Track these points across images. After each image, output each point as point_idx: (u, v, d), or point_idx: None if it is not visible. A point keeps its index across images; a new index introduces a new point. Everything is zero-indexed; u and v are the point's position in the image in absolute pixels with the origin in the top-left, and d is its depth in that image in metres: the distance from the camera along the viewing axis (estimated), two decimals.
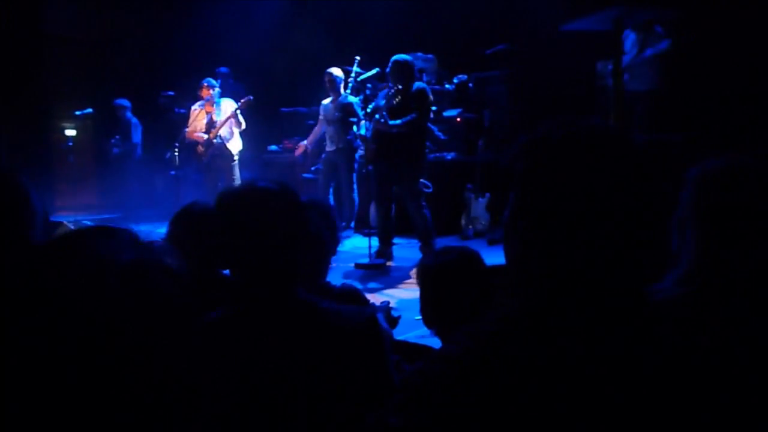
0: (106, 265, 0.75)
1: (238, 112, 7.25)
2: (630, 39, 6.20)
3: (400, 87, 5.73)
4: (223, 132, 7.30)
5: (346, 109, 6.69)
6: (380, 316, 2.49)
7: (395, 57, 5.80)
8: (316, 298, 1.63)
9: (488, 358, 0.93)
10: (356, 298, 2.41)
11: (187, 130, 7.52)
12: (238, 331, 1.56)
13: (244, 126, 7.36)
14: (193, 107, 7.59)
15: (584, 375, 0.89)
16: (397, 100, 5.73)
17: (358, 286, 2.67)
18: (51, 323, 0.71)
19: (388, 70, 5.81)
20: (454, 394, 0.92)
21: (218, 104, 7.37)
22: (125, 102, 9.24)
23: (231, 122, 7.33)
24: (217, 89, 7.39)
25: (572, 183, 0.93)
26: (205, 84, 7.37)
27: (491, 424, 0.89)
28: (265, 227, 1.54)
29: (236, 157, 7.37)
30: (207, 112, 7.38)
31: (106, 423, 0.72)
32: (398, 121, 5.60)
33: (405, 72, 5.74)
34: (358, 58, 7.09)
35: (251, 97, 7.35)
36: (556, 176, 0.95)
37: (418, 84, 5.84)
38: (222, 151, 7.32)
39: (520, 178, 1.00)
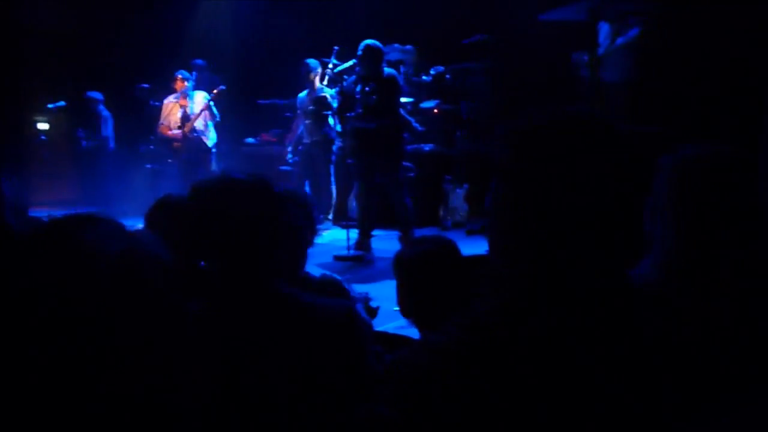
0: (96, 255, 0.73)
1: (212, 104, 7.20)
2: (603, 30, 6.22)
3: (370, 76, 5.71)
4: (197, 125, 7.25)
5: (321, 102, 6.67)
6: (359, 307, 2.49)
7: (367, 42, 5.77)
8: (295, 290, 1.62)
9: (478, 348, 0.93)
10: (337, 288, 2.40)
11: (161, 124, 7.45)
12: (216, 324, 1.54)
13: (218, 119, 7.31)
14: (166, 100, 7.53)
15: (572, 362, 0.90)
16: (370, 90, 5.71)
17: (338, 278, 2.67)
18: (40, 313, 0.69)
19: (359, 53, 5.78)
20: (446, 384, 0.93)
21: (191, 97, 7.32)
22: (97, 95, 9.12)
23: (205, 115, 7.28)
24: (190, 81, 7.33)
25: (555, 170, 0.93)
26: (179, 76, 7.32)
27: (483, 414, 0.89)
28: (240, 218, 1.53)
29: (213, 150, 7.33)
30: (181, 106, 7.32)
31: (95, 411, 0.71)
32: (373, 125, 5.62)
33: (376, 58, 5.73)
34: (336, 48, 7.06)
35: (223, 87, 7.30)
36: (540, 164, 0.95)
37: (387, 70, 5.84)
38: (198, 144, 7.27)
39: (504, 166, 1.00)
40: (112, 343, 0.72)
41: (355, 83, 5.90)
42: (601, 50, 6.09)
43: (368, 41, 5.78)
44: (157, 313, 0.77)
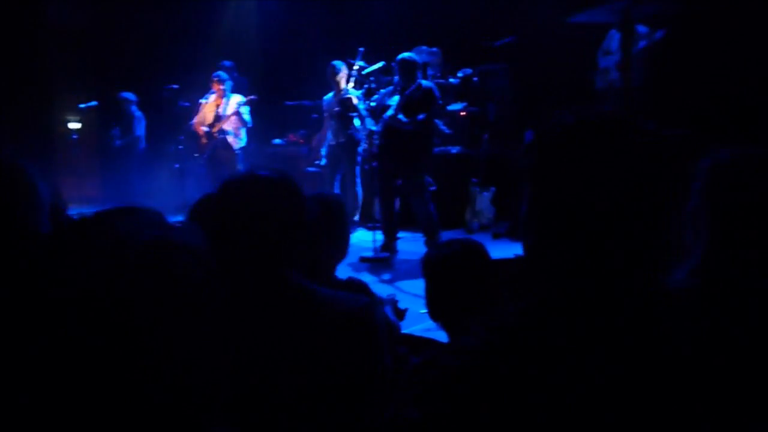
0: (125, 244, 0.74)
1: (242, 109, 7.32)
2: (615, 39, 6.15)
3: (406, 85, 5.76)
4: (227, 127, 7.37)
5: (345, 104, 6.69)
6: (388, 309, 2.49)
7: (401, 56, 5.87)
8: (312, 284, 1.63)
9: (508, 350, 0.92)
10: (362, 291, 2.40)
11: (193, 122, 7.60)
12: (236, 315, 1.55)
13: (250, 124, 7.45)
14: (201, 99, 7.65)
15: (603, 367, 0.89)
16: (407, 96, 5.75)
17: (364, 279, 2.66)
18: (70, 305, 0.70)
19: (395, 67, 5.86)
20: (475, 386, 0.92)
21: (228, 98, 7.46)
22: (130, 95, 9.24)
23: (236, 119, 7.40)
24: (228, 83, 7.47)
25: (586, 171, 0.92)
26: (215, 78, 7.46)
27: (512, 417, 0.89)
28: (264, 211, 1.56)
29: (237, 152, 7.44)
30: (216, 105, 7.46)
31: (121, 397, 0.72)
32: (406, 120, 5.63)
33: (412, 70, 5.79)
34: (361, 49, 7.07)
35: (255, 97, 7.43)
36: (569, 165, 0.94)
37: (426, 83, 5.89)
38: (224, 144, 7.40)
39: (534, 169, 0.99)
40: (141, 332, 0.73)
41: (391, 94, 5.95)
42: (613, 59, 6.07)
43: (403, 54, 5.88)
44: (187, 302, 0.77)
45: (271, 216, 1.56)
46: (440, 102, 6.36)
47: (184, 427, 0.78)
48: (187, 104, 8.49)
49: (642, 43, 6.06)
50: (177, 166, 8.12)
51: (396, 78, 6.00)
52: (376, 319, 1.66)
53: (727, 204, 1.38)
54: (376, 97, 6.28)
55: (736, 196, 1.38)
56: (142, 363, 0.73)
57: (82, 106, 9.59)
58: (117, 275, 0.73)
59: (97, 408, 0.71)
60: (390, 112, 5.76)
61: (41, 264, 0.74)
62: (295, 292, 1.59)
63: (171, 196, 7.89)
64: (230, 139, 7.40)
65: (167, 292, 0.75)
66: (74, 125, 10.04)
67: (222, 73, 7.60)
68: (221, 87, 7.45)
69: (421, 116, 5.66)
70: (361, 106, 6.58)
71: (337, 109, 6.82)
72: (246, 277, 1.58)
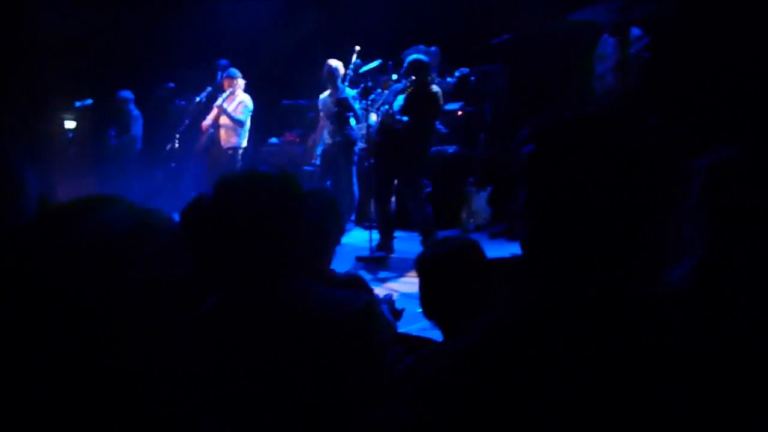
0: (108, 232, 0.73)
1: (232, 108, 7.31)
2: (609, 44, 6.16)
3: (413, 83, 5.74)
4: (224, 122, 7.36)
5: (342, 104, 6.68)
6: (385, 308, 2.47)
7: (414, 56, 5.93)
8: (315, 283, 1.61)
9: (503, 350, 0.91)
10: (359, 285, 2.39)
11: (204, 122, 7.64)
12: (232, 318, 1.54)
13: (242, 123, 7.39)
14: (197, 98, 7.81)
15: (599, 367, 0.87)
16: (409, 94, 5.73)
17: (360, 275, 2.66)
18: (50, 293, 0.69)
19: (403, 70, 5.85)
20: (470, 387, 0.90)
21: (234, 96, 7.41)
22: (128, 94, 9.21)
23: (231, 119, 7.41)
24: (237, 81, 7.42)
25: (584, 167, 0.91)
26: (227, 76, 7.50)
27: (507, 417, 0.87)
28: (263, 211, 1.52)
29: (230, 151, 7.39)
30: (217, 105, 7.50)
31: (104, 396, 0.70)
32: (405, 118, 5.62)
33: (422, 71, 5.80)
34: (357, 48, 7.06)
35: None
36: (568, 161, 0.92)
37: (434, 88, 5.89)
38: (215, 141, 7.39)
39: (531, 164, 0.97)
40: (123, 321, 0.72)
41: (395, 95, 5.94)
42: (610, 63, 6.08)
43: (415, 56, 5.87)
44: (165, 291, 0.76)
45: (269, 216, 1.53)
46: (442, 107, 6.38)
47: (174, 423, 0.77)
48: (183, 103, 8.48)
49: (635, 47, 6.06)
50: (173, 165, 8.10)
51: (394, 76, 6.00)
52: (379, 316, 1.65)
53: (726, 203, 1.37)
54: (373, 95, 6.26)
55: (735, 195, 1.37)
56: (129, 352, 0.72)
57: (77, 104, 9.54)
58: (97, 262, 0.72)
59: (80, 399, 0.70)
60: (385, 107, 5.75)
61: (20, 250, 0.72)
62: (297, 294, 1.56)
63: (167, 196, 7.88)
64: (222, 134, 7.37)
65: (147, 279, 0.74)
66: (70, 124, 9.99)
67: (233, 70, 7.55)
68: (233, 83, 7.40)
69: (406, 118, 5.64)
70: (357, 106, 6.57)
71: (335, 109, 6.82)
72: (246, 280, 1.56)
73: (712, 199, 1.37)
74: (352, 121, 6.77)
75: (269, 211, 1.53)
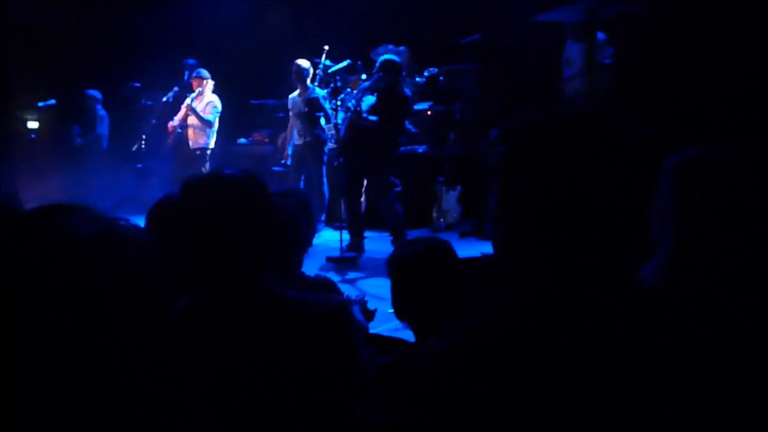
0: (73, 238, 0.71)
1: (201, 108, 7.23)
2: (574, 49, 6.21)
3: (384, 84, 5.72)
4: (191, 121, 7.28)
5: (313, 104, 6.65)
6: (356, 309, 2.46)
7: (385, 56, 5.87)
8: (285, 286, 1.60)
9: (480, 353, 0.91)
10: (330, 288, 2.38)
11: (171, 123, 7.54)
12: (204, 320, 1.52)
13: (211, 124, 7.29)
14: (164, 98, 7.67)
15: (576, 369, 0.88)
16: (380, 94, 5.72)
17: (330, 278, 2.64)
18: (12, 300, 0.67)
19: (375, 70, 5.83)
20: (446, 390, 0.90)
21: (203, 97, 7.34)
22: (96, 93, 9.07)
23: (200, 118, 7.33)
24: (206, 81, 7.33)
25: (556, 168, 0.91)
26: (196, 75, 7.38)
27: (484, 421, 0.87)
28: (230, 213, 1.51)
29: (198, 152, 7.30)
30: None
31: (73, 401, 0.69)
32: (373, 117, 5.61)
33: (393, 72, 5.77)
34: (326, 47, 7.04)
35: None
36: (540, 162, 0.92)
37: (406, 91, 5.87)
38: (181, 141, 7.31)
39: (502, 164, 0.97)
40: (91, 327, 0.70)
41: (363, 93, 5.91)
42: (577, 67, 6.15)
43: (387, 56, 5.84)
44: (136, 296, 0.75)
45: (237, 218, 1.51)
46: (412, 109, 6.39)
47: (144, 426, 0.76)
48: (149, 103, 8.36)
49: (608, 51, 6.12)
50: (140, 166, 7.99)
51: (363, 76, 5.98)
52: (351, 318, 1.65)
53: (693, 203, 1.39)
54: (342, 95, 6.23)
55: (702, 195, 1.39)
56: (97, 359, 0.70)
57: (40, 104, 9.36)
58: (64, 269, 0.70)
59: (47, 404, 0.68)
60: (352, 103, 5.74)
61: None
62: (267, 297, 1.55)
63: (133, 197, 7.77)
64: (190, 134, 7.28)
65: (118, 284, 0.73)
66: (32, 124, 9.80)
67: (201, 70, 7.46)
68: (201, 84, 7.31)
69: (374, 118, 5.64)
70: (327, 106, 6.55)
71: (305, 109, 6.79)
72: (216, 283, 1.54)
73: (679, 199, 1.39)
74: (323, 121, 6.74)
75: (235, 213, 1.51)
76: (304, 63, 6.87)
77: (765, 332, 1.10)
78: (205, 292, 1.56)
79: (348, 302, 2.45)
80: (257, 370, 1.48)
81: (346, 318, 1.62)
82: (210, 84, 7.37)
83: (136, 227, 0.80)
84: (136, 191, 7.82)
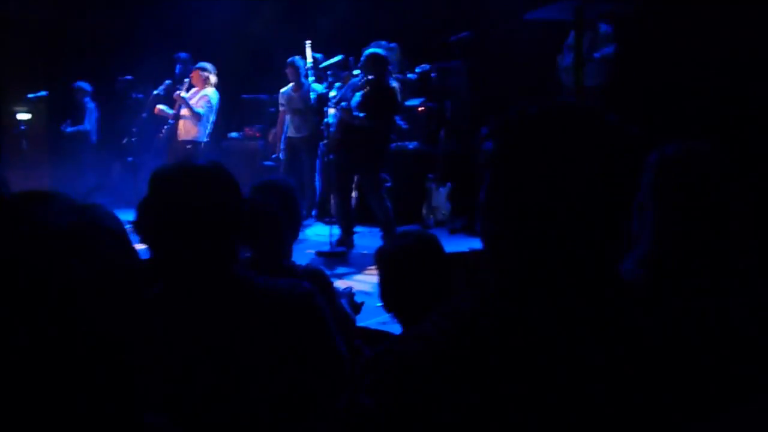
0: (48, 229, 0.72)
1: (194, 100, 7.15)
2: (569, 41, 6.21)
3: (371, 79, 5.72)
4: (184, 113, 7.19)
5: (319, 99, 6.65)
6: (344, 302, 2.49)
7: (371, 50, 5.82)
8: (252, 273, 1.63)
9: (465, 338, 0.92)
10: (320, 278, 2.40)
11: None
12: (174, 308, 1.56)
13: (200, 117, 7.20)
14: (155, 91, 7.58)
15: (559, 356, 0.90)
16: (366, 91, 5.72)
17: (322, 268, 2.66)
18: None
19: (360, 63, 5.81)
20: (430, 374, 0.91)
21: (199, 90, 7.25)
22: (86, 86, 9.00)
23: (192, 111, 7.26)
24: (206, 74, 7.19)
25: (547, 161, 0.93)
26: (199, 68, 7.22)
27: (468, 406, 0.89)
28: (197, 203, 1.54)
29: (189, 145, 7.22)
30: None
31: (55, 389, 0.70)
32: (362, 114, 5.61)
33: (380, 66, 5.74)
34: (308, 42, 7.04)
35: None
36: (531, 155, 0.94)
37: (391, 83, 5.85)
38: (171, 133, 7.25)
39: (494, 156, 0.99)
40: (68, 317, 0.71)
41: (353, 90, 5.89)
42: (567, 60, 6.15)
43: (373, 49, 5.82)
44: (114, 282, 0.76)
45: (204, 207, 1.54)
46: (401, 103, 6.37)
47: (116, 412, 0.76)
48: (140, 96, 8.32)
49: (596, 54, 6.13)
50: (130, 159, 7.95)
51: (356, 72, 5.97)
52: (316, 305, 1.67)
53: (672, 197, 1.42)
54: (334, 90, 6.23)
55: (681, 189, 1.42)
56: (73, 347, 0.71)
57: (31, 96, 9.30)
58: (41, 259, 0.71)
59: (23, 395, 0.69)
60: (343, 105, 5.74)
61: None
62: (235, 283, 1.58)
63: (124, 191, 7.74)
64: (181, 126, 7.21)
65: (95, 275, 0.74)
66: (23, 116, 9.73)
67: (207, 64, 7.31)
68: (201, 77, 7.19)
69: (362, 114, 5.64)
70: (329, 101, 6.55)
71: (300, 104, 6.79)
72: (185, 272, 1.57)
73: (659, 193, 1.42)
74: (330, 118, 6.74)
75: (202, 203, 1.54)
76: (299, 60, 6.88)
77: (738, 322, 1.13)
78: (175, 278, 1.58)
79: (336, 295, 2.47)
80: (226, 354, 1.51)
81: (311, 304, 1.65)
82: (212, 78, 7.25)
83: (110, 214, 0.81)
84: (126, 183, 7.78)
